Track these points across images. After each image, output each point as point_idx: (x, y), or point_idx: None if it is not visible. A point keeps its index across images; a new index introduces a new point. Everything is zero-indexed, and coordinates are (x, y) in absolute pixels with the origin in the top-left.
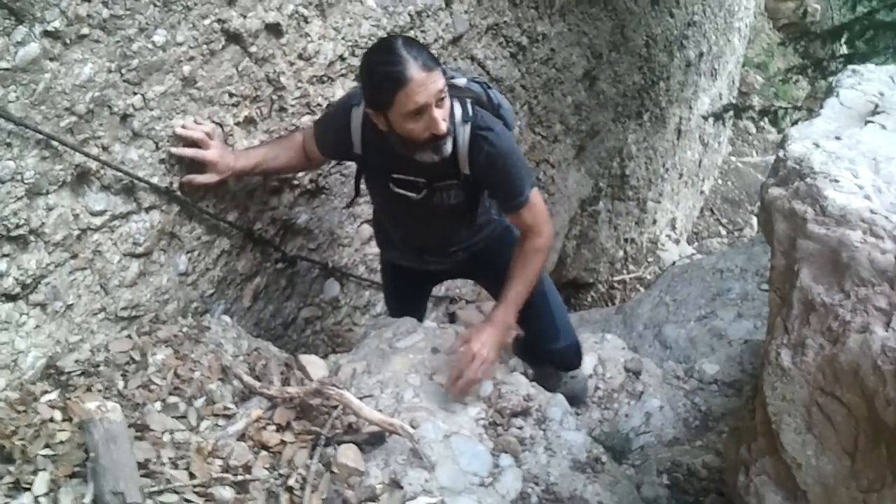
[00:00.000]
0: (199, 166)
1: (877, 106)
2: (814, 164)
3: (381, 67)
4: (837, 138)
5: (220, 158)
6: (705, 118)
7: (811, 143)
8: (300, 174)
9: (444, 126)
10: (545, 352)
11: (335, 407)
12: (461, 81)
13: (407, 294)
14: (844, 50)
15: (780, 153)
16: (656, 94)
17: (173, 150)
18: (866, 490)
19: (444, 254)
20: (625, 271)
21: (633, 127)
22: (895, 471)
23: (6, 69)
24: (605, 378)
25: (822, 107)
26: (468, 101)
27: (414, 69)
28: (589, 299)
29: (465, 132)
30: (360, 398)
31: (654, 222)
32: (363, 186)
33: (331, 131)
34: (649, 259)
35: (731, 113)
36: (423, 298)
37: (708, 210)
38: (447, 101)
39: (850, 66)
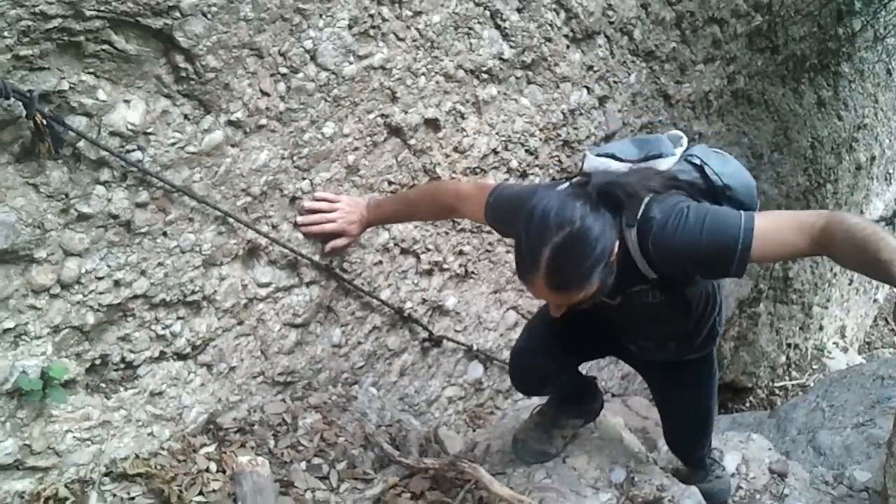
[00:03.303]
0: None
1: None
2: None
3: (519, 249)
4: None
5: (346, 226)
6: (877, 223)
7: None
8: (450, 259)
9: (557, 313)
10: (683, 449)
11: (468, 481)
12: (667, 164)
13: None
14: None
15: None
16: (823, 197)
17: (299, 219)
18: None
19: (655, 344)
20: (787, 377)
21: None
22: None
23: (193, 153)
24: (748, 478)
25: None
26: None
27: (540, 281)
28: (747, 404)
29: (632, 236)
30: (493, 474)
31: (821, 328)
32: None
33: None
34: (814, 366)
35: None
36: (591, 347)
37: (882, 319)
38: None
39: None
